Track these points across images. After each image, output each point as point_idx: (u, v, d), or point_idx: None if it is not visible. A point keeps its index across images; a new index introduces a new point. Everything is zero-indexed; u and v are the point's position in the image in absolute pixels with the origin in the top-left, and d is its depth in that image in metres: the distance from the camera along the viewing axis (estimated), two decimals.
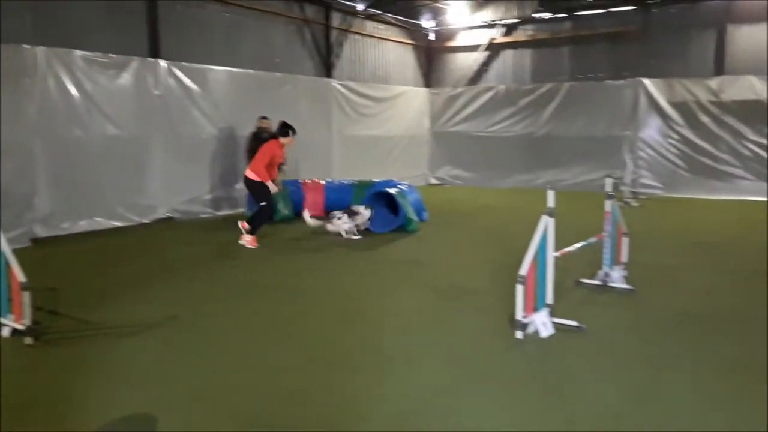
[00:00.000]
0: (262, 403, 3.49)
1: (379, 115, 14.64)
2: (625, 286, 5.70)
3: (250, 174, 8.05)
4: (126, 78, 9.33)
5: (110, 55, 9.09)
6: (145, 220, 9.58)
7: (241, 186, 9.46)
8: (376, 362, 4.10)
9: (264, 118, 10.33)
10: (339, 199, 10.08)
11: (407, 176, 15.13)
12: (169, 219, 9.98)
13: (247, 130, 10.41)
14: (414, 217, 9.10)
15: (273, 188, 8.08)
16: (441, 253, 7.67)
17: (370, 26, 14.60)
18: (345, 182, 10.66)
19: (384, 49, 15.16)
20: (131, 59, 9.38)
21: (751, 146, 12.59)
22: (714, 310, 5.16)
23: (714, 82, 12.83)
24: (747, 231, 8.90)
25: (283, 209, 9.99)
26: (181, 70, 10.12)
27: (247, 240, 7.99)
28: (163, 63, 9.83)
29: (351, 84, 13.81)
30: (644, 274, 6.17)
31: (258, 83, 11.39)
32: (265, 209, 8.11)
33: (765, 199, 12.02)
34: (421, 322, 4.95)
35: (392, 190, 9.07)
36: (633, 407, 3.41)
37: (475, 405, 3.45)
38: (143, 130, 9.60)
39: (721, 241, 8.22)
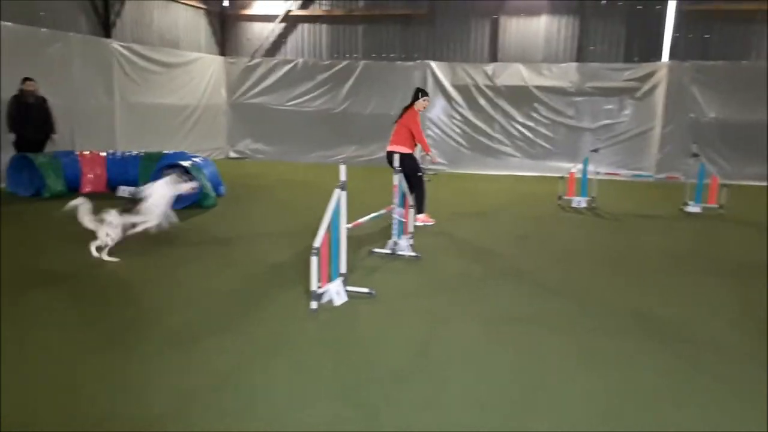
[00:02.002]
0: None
1: (171, 83, 13.63)
2: (411, 253, 6.09)
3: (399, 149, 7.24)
4: None
5: None
6: None
7: None
8: (163, 344, 3.83)
9: (28, 79, 9.02)
10: (123, 173, 9.25)
11: (204, 149, 14.44)
12: None
13: (8, 93, 9.01)
14: (211, 192, 8.70)
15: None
16: (239, 229, 7.45)
17: None
18: (131, 154, 9.75)
19: (172, 12, 14.10)
20: None
21: (519, 127, 14.25)
22: (486, 271, 5.76)
23: (489, 68, 14.21)
24: (515, 202, 10.08)
25: (56, 184, 8.86)
26: None
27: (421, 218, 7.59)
28: None
29: (136, 47, 12.62)
30: (430, 242, 6.67)
31: (17, 39, 9.81)
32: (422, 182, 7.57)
33: (531, 174, 13.75)
34: (216, 300, 4.76)
35: (185, 163, 8.54)
36: (414, 360, 3.68)
37: (264, 378, 3.41)
38: None
39: (493, 210, 9.21)
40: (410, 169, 7.27)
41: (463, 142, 14.56)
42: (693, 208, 9.06)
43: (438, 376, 3.50)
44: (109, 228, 5.63)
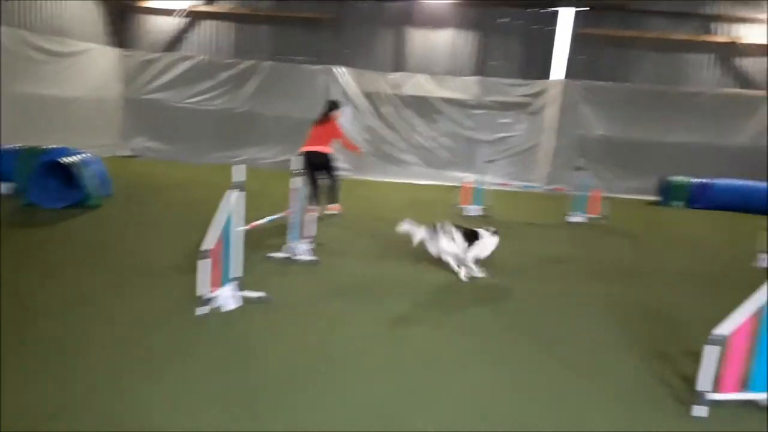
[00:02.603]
0: None
1: (58, 74, 12.72)
2: (310, 257, 6.07)
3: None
4: None
5: None
6: None
7: None
8: (34, 359, 3.57)
9: None
10: None
11: (94, 145, 13.54)
12: None
13: None
14: (96, 191, 8.21)
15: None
16: (127, 231, 7.09)
17: None
18: (7, 148, 8.98)
19: None
20: None
21: (421, 137, 14.60)
22: (383, 275, 5.85)
23: (395, 77, 14.47)
24: (413, 209, 10.30)
25: None
26: None
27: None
28: None
29: (22, 33, 11.65)
30: (328, 247, 6.68)
31: None
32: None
33: (431, 182, 14.11)
34: (96, 307, 4.48)
35: (68, 160, 8.00)
36: (307, 365, 3.67)
37: (149, 387, 3.27)
38: None
39: (392, 216, 9.34)
40: (333, 166, 8.72)
41: (368, 149, 14.69)
42: (576, 218, 9.69)
43: (330, 380, 3.51)
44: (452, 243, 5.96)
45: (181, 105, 14.82)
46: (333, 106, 8.94)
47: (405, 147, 14.66)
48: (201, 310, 4.32)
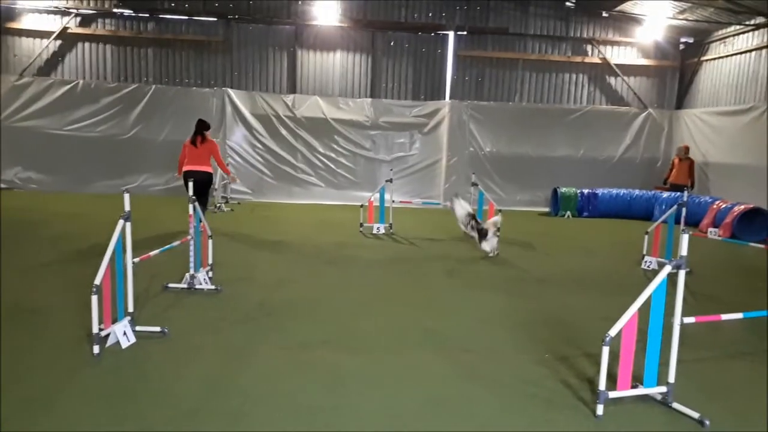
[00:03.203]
0: None
1: None
2: (210, 286, 5.81)
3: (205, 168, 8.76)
4: None
5: None
6: None
7: None
8: None
9: None
10: None
11: None
12: None
13: None
14: None
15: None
16: (3, 269, 6.43)
17: None
18: None
19: None
20: None
21: (321, 158, 14.57)
22: (288, 299, 5.70)
23: (289, 99, 14.37)
24: (319, 230, 10.22)
25: None
26: None
27: None
28: None
29: None
30: (231, 273, 6.44)
31: None
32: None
33: (334, 202, 14.09)
34: None
35: None
36: (209, 397, 3.49)
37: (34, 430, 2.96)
38: None
39: (297, 238, 9.22)
40: (209, 184, 9.17)
41: (267, 171, 14.44)
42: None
43: (235, 410, 3.35)
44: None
45: (59, 132, 13.80)
46: (205, 125, 9.15)
47: (306, 168, 14.55)
48: (94, 349, 3.98)
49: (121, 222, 4.18)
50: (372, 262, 7.75)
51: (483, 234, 8.26)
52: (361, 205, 10.25)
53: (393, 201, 10.27)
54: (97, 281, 3.90)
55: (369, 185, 14.06)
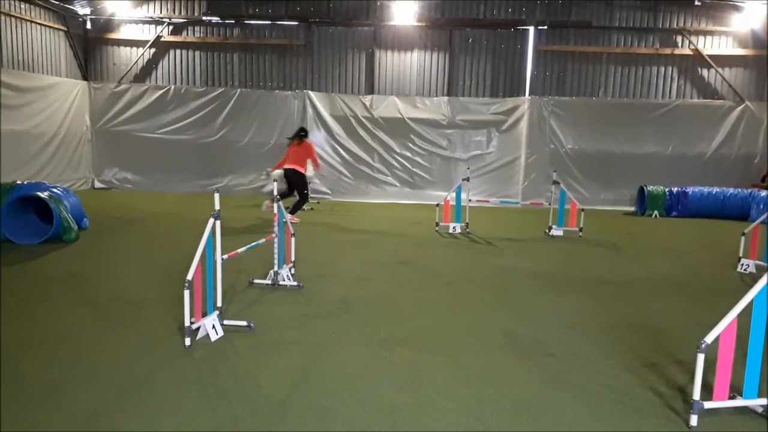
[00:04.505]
0: None
1: (25, 108, 12.50)
2: (293, 282, 5.98)
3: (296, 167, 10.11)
4: None
5: None
6: None
7: None
8: (17, 391, 3.42)
9: None
10: None
11: (66, 179, 13.41)
12: None
13: None
14: (72, 224, 8.03)
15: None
16: (104, 264, 6.91)
17: (7, 3, 12.33)
18: None
19: (28, 32, 13.02)
20: None
21: (398, 157, 14.65)
22: (367, 297, 5.78)
23: (367, 100, 14.55)
24: (395, 229, 10.29)
25: None
26: None
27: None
28: None
29: None
30: (312, 271, 6.60)
31: None
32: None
33: (410, 201, 14.16)
34: (77, 346, 4.33)
35: (43, 194, 7.82)
36: (294, 391, 3.59)
37: (134, 421, 3.16)
38: None
39: (374, 237, 9.33)
40: (302, 182, 10.28)
41: (345, 172, 14.69)
42: (556, 231, 9.76)
43: (318, 405, 3.43)
44: None
45: (152, 135, 14.66)
46: (303, 130, 10.51)
47: (383, 168, 14.69)
48: (186, 341, 4.21)
49: (211, 220, 4.38)
50: (448, 261, 7.71)
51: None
52: (437, 205, 10.23)
53: (469, 200, 10.17)
54: (189, 276, 4.11)
55: (445, 184, 14.01)
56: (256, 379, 3.78)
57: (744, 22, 13.63)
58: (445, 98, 14.55)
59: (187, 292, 4.10)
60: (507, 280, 6.78)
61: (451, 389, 3.72)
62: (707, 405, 3.34)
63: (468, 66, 14.71)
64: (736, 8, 13.44)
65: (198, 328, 4.36)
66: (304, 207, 10.90)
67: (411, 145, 14.62)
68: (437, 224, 10.03)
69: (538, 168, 14.25)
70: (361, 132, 14.58)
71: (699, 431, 3.27)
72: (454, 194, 10.01)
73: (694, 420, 3.31)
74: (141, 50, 14.79)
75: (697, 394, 3.29)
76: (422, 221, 10.91)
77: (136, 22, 14.77)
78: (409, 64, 14.79)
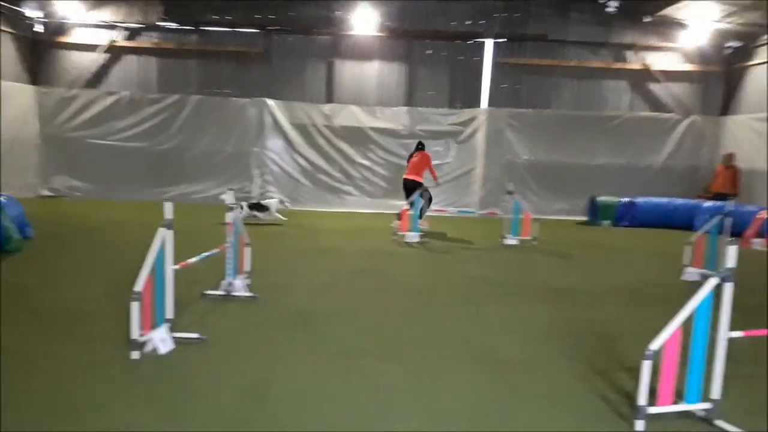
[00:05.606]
0: None
1: None
2: (247, 293, 5.89)
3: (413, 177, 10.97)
4: None
5: None
6: None
7: None
8: None
9: None
10: None
11: (10, 186, 12.86)
12: None
13: None
14: (15, 234, 7.72)
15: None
16: (50, 275, 6.67)
17: None
18: None
19: None
20: None
21: (357, 166, 14.65)
22: (324, 307, 5.74)
23: (326, 108, 14.52)
24: (354, 238, 10.27)
25: None
26: None
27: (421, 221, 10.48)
28: None
29: None
30: (267, 280, 6.51)
31: None
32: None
33: (369, 210, 14.16)
34: (21, 360, 4.15)
35: None
36: (247, 405, 3.52)
37: None
38: None
39: (333, 246, 9.29)
40: (421, 189, 10.79)
41: (304, 180, 14.62)
42: (510, 240, 9.92)
43: (273, 418, 3.38)
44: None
45: (105, 142, 14.27)
46: (421, 145, 11.51)
47: (342, 177, 14.67)
48: (133, 355, 4.09)
49: (161, 230, 4.28)
50: (406, 271, 7.74)
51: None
52: (397, 214, 10.26)
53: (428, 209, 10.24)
54: (138, 288, 4.00)
55: (403, 193, 14.05)
56: (207, 393, 3.69)
57: (691, 39, 14.20)
58: (405, 108, 14.66)
59: (135, 304, 4.00)
60: (464, 288, 6.85)
61: (408, 398, 3.72)
62: (652, 410, 3.43)
63: (427, 77, 14.86)
64: (682, 26, 13.99)
65: (147, 341, 4.25)
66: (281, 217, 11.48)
67: (370, 154, 14.67)
68: (395, 233, 10.06)
69: (494, 178, 14.48)
70: (320, 141, 14.55)
71: None
72: (412, 203, 10.06)
73: (639, 425, 3.39)
74: (94, 55, 14.41)
75: (642, 400, 3.38)
76: (381, 230, 10.93)
77: (90, 26, 14.37)
78: (368, 73, 14.85)
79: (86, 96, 14.27)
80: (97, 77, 14.60)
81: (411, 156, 11.39)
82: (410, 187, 10.86)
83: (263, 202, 11.55)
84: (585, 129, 14.59)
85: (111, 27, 14.33)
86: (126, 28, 14.40)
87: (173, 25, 14.32)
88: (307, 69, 14.79)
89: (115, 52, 14.52)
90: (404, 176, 11.15)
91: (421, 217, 10.63)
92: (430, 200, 11.38)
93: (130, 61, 14.63)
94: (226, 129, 14.34)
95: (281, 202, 11.81)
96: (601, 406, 3.73)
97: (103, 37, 14.38)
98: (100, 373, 3.91)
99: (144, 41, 14.55)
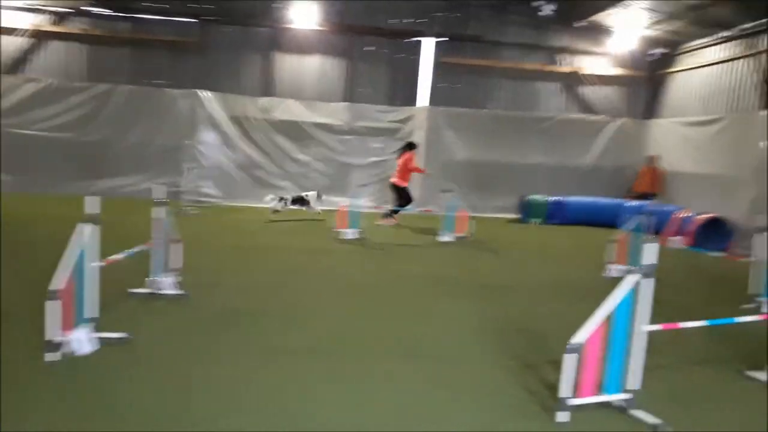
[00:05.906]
0: None
1: None
2: (176, 291, 5.72)
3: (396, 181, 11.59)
4: None
5: None
6: None
7: None
8: None
9: None
10: None
11: None
12: None
13: None
14: None
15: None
16: None
17: None
18: None
19: None
20: None
21: (295, 161, 14.49)
22: (256, 305, 5.65)
23: (264, 102, 14.28)
24: (289, 234, 10.15)
25: None
26: None
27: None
28: None
29: None
30: (197, 278, 6.33)
31: None
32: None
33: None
34: None
35: None
36: (172, 407, 3.42)
37: None
38: None
39: (267, 243, 9.15)
40: (399, 194, 11.70)
41: (238, 174, 14.32)
42: (445, 237, 10.06)
43: (192, 417, 3.30)
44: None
45: (26, 132, 13.49)
46: (408, 145, 12.00)
47: (278, 172, 14.46)
48: (51, 356, 3.88)
49: (80, 225, 4.09)
50: (342, 268, 7.73)
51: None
52: (333, 210, 10.23)
53: (365, 206, 10.26)
54: (53, 286, 3.81)
55: (341, 190, 14.01)
56: (129, 395, 3.57)
57: (618, 44, 14.81)
58: (344, 104, 14.60)
59: (50, 303, 3.80)
60: (398, 285, 6.90)
61: (336, 395, 3.71)
62: (574, 401, 3.56)
63: (367, 73, 14.86)
64: (609, 33, 14.57)
65: (67, 342, 4.05)
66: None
67: (308, 149, 14.53)
68: (333, 230, 10.02)
69: (433, 176, 14.63)
70: (257, 135, 14.29)
71: (566, 426, 3.48)
72: (349, 200, 10.05)
73: (561, 416, 3.51)
74: (16, 39, 13.59)
75: (564, 392, 3.50)
76: (318, 227, 10.86)
77: (12, 9, 13.53)
78: (308, 68, 14.71)
79: (5, 82, 13.44)
80: (20, 63, 13.78)
81: (398, 157, 11.93)
82: (393, 190, 11.66)
83: (304, 195, 11.81)
84: (519, 129, 14.97)
85: (37, 10, 13.55)
86: (53, 12, 13.66)
87: (104, 11, 13.69)
88: (244, 61, 14.52)
89: (39, 37, 13.76)
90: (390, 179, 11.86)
91: (392, 215, 11.48)
92: (408, 200, 11.87)
93: (56, 48, 13.90)
94: (157, 120, 13.86)
95: (319, 196, 11.83)
96: (526, 398, 3.84)
97: (26, 21, 13.59)
98: (13, 378, 3.69)
99: (72, 27, 13.85)
